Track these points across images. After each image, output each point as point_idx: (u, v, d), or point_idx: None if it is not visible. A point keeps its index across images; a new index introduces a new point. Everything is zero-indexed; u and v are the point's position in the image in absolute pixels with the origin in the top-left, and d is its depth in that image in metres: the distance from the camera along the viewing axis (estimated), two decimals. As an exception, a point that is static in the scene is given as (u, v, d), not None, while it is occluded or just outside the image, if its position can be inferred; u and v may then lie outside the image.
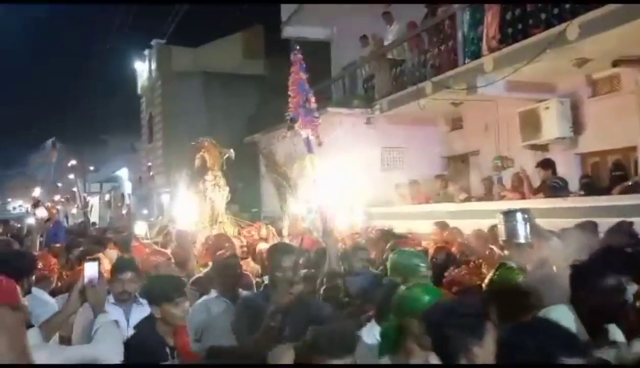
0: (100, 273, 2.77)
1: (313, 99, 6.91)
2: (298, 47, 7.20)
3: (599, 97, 8.35)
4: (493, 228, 5.07)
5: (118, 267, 3.74)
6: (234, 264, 4.06)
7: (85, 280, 2.72)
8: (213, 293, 3.86)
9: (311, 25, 15.69)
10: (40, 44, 64.13)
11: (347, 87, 12.77)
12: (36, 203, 5.86)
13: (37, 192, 20.67)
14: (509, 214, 3.79)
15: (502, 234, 3.85)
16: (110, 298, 3.49)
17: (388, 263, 3.82)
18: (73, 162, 32.69)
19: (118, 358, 2.51)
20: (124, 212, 24.23)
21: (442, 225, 6.84)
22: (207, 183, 7.72)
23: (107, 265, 4.14)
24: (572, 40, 6.72)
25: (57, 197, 34.17)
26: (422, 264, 3.64)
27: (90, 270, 2.76)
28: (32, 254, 3.83)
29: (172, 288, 3.03)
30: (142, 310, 3.45)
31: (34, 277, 3.62)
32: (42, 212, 5.67)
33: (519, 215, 3.72)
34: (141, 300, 3.54)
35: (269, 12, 17.67)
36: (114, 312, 3.22)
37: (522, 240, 3.67)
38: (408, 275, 3.38)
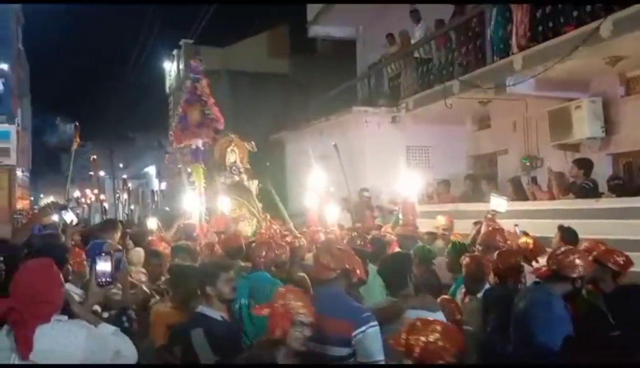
0: (112, 269, 2.65)
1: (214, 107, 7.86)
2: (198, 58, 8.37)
3: (632, 96, 8.14)
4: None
5: None
6: None
7: (97, 275, 2.59)
8: None
9: (337, 24, 15.70)
10: (71, 44, 65.53)
11: (372, 85, 12.75)
12: (63, 207, 5.44)
13: (76, 193, 20.83)
14: None
15: None
16: None
17: None
18: (94, 156, 32.86)
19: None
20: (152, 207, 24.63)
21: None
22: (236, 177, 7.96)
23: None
24: (606, 38, 6.57)
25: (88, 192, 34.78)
26: None
27: (102, 265, 2.59)
28: (65, 246, 3.87)
29: None
30: None
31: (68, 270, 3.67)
32: (70, 216, 5.20)
33: None
34: None
35: (295, 11, 17.72)
36: None
37: None
38: None
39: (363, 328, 2.83)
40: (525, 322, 3.05)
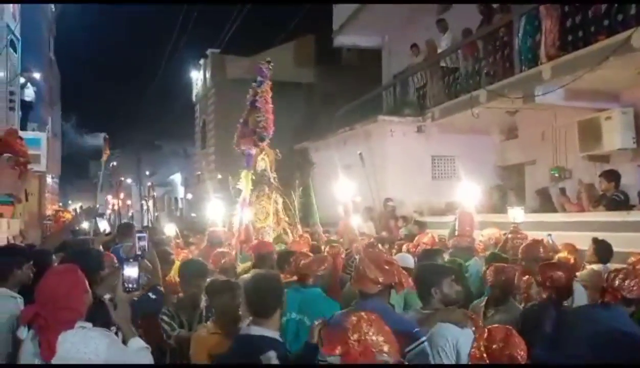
0: (139, 275, 2.73)
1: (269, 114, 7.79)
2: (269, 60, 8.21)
3: (665, 107, 7.96)
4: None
5: None
6: None
7: (124, 281, 2.68)
8: None
9: (362, 34, 15.73)
10: (100, 54, 67.08)
11: (398, 95, 12.71)
12: (100, 214, 5.21)
13: (111, 201, 20.76)
14: None
15: None
16: None
17: None
18: (114, 163, 33.00)
19: None
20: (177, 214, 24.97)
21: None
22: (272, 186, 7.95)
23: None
24: (637, 48, 6.43)
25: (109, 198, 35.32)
26: None
27: (129, 271, 2.69)
28: (100, 253, 3.91)
29: None
30: None
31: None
32: (104, 224, 5.00)
33: None
34: None
35: (321, 20, 17.83)
36: None
37: None
38: None
39: (416, 343, 2.79)
40: (603, 343, 2.97)
